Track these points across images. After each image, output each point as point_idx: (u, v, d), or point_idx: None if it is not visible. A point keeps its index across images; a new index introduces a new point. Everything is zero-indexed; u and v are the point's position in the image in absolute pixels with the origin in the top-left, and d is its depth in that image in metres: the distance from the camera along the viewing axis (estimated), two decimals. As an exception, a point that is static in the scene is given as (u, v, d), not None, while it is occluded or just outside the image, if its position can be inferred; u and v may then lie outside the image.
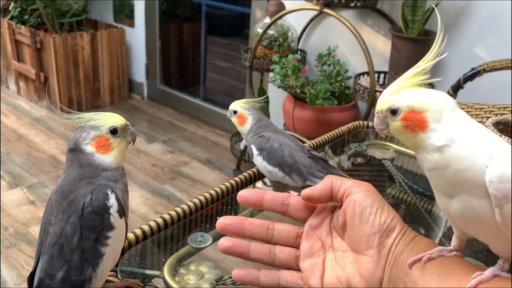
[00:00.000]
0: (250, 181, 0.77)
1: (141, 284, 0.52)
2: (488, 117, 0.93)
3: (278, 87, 1.75)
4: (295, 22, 1.98)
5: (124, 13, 2.98)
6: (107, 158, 0.47)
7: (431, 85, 1.42)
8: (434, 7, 1.50)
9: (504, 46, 1.52)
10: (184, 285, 0.58)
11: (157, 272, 0.59)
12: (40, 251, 0.46)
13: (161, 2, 2.92)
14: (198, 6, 3.24)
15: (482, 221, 0.37)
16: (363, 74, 1.81)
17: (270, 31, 1.92)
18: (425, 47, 1.53)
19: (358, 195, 0.43)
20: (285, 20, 1.94)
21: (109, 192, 0.45)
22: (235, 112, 0.75)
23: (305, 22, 2.04)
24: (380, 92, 1.57)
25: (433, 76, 0.41)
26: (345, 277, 0.42)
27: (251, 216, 0.72)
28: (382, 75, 1.80)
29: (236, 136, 2.25)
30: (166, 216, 0.64)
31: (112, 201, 0.45)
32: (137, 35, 2.97)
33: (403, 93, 0.40)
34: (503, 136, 0.67)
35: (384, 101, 0.41)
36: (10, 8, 2.89)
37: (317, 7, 1.69)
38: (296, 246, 0.46)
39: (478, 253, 0.62)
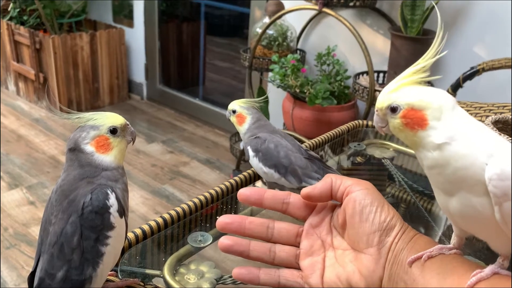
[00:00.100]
0: (249, 181, 0.77)
1: (141, 284, 0.52)
2: (487, 116, 0.94)
3: (278, 87, 1.75)
4: (294, 21, 1.98)
5: (123, 13, 2.98)
6: (107, 158, 0.47)
7: (431, 83, 1.42)
8: (434, 5, 1.50)
9: (504, 45, 1.52)
10: (184, 285, 0.58)
11: (157, 272, 0.59)
12: (40, 250, 0.46)
13: (160, 2, 2.91)
14: (197, 6, 3.24)
15: (481, 219, 0.37)
16: (362, 73, 1.81)
17: (269, 31, 1.92)
18: (424, 46, 1.53)
19: (358, 193, 0.43)
20: (284, 19, 1.94)
21: (109, 192, 0.45)
22: (234, 111, 0.75)
23: (304, 21, 2.04)
24: (380, 91, 1.57)
25: (432, 75, 0.41)
26: (345, 276, 0.43)
27: (251, 215, 0.72)
28: (381, 75, 1.80)
29: (236, 136, 2.25)
30: (166, 216, 0.64)
31: (112, 200, 0.45)
32: (136, 35, 2.97)
33: (403, 90, 0.40)
34: (502, 134, 0.67)
35: (384, 98, 0.41)
36: (9, 9, 2.89)
37: (316, 7, 1.69)
38: (296, 245, 0.46)
39: (478, 252, 0.62)
